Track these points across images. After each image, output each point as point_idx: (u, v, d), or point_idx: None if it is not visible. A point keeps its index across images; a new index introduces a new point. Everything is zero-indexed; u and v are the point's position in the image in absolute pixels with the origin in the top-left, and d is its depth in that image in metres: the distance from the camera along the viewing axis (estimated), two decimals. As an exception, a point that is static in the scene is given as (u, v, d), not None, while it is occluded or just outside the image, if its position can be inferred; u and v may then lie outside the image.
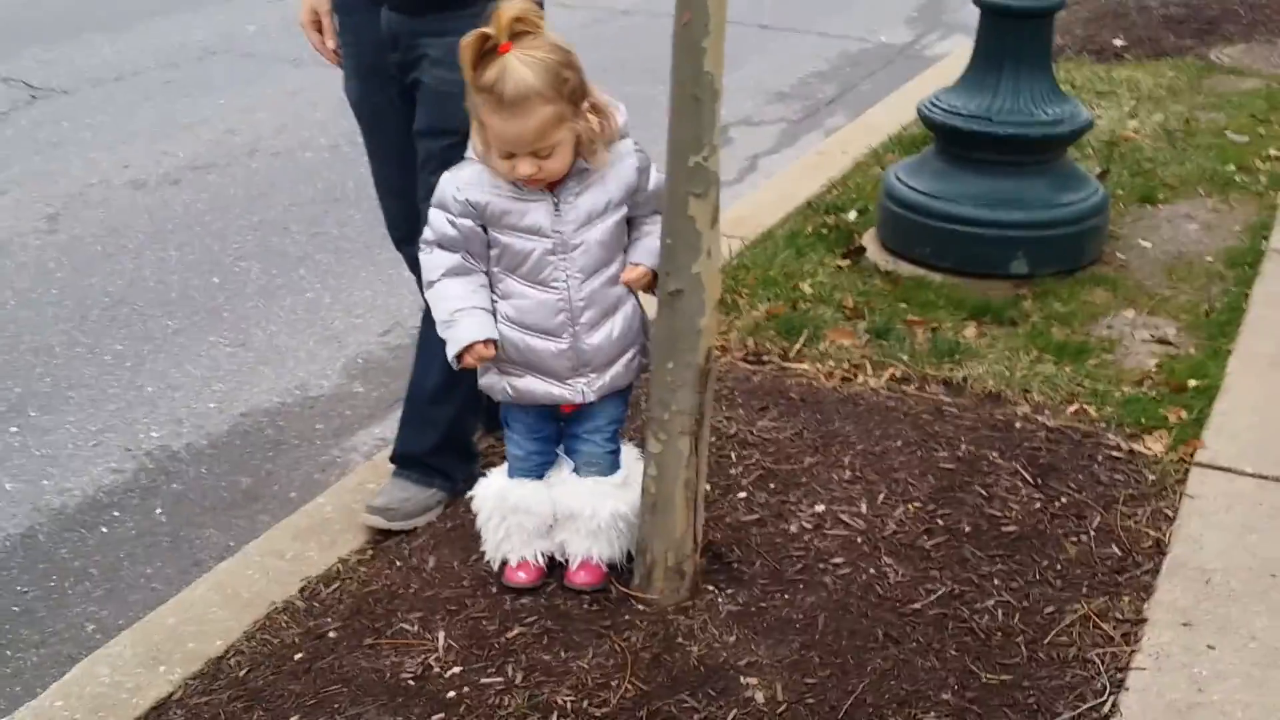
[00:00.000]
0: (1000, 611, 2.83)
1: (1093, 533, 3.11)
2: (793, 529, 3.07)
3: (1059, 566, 2.99)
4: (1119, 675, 2.65)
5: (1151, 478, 3.34)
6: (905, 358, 3.92)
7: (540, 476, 2.91)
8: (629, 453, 2.96)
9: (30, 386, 4.20)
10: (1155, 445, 3.49)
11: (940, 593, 2.87)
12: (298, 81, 7.33)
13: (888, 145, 6.00)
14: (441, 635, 2.75)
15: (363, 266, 5.07)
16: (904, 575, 2.92)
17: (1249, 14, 8.43)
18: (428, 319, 2.93)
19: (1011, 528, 3.10)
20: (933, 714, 2.53)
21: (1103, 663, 2.69)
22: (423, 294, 2.84)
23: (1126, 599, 2.89)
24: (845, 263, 4.65)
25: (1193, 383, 3.79)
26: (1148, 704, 2.58)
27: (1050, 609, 2.85)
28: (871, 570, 2.93)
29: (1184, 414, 3.62)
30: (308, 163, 6.19)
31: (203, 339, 4.53)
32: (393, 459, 3.33)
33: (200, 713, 2.59)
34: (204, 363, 4.37)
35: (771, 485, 3.24)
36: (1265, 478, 3.33)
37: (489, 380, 2.82)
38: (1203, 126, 6.20)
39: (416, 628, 2.77)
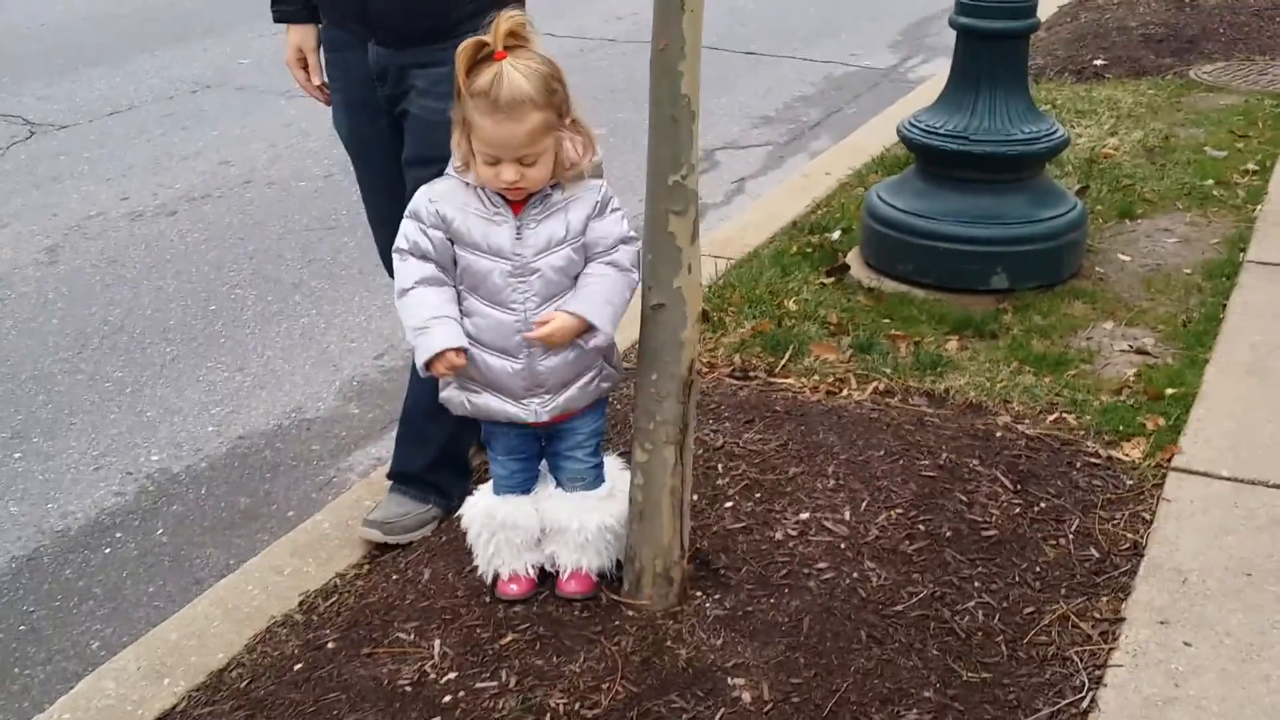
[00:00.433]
0: (980, 612, 2.90)
1: (1071, 536, 3.19)
2: (778, 536, 3.15)
3: (1038, 569, 3.06)
4: (1097, 672, 2.73)
5: (1129, 483, 3.42)
6: (888, 371, 4.01)
7: (526, 491, 2.98)
8: (613, 464, 3.03)
9: (33, 413, 4.28)
10: (1133, 451, 3.57)
11: (922, 595, 2.95)
12: (291, 113, 7.45)
13: (871, 166, 6.11)
14: (437, 643, 2.83)
15: (356, 292, 5.16)
16: (886, 579, 3.00)
17: (1228, 32, 8.56)
18: None
19: (991, 532, 3.18)
20: (915, 711, 2.61)
21: (1081, 660, 2.77)
22: None
23: (1104, 599, 2.96)
24: (829, 280, 4.74)
25: (1170, 391, 3.88)
26: (1125, 699, 2.65)
27: (1030, 609, 2.92)
28: (855, 574, 3.01)
29: (1161, 421, 3.70)
30: (301, 192, 6.29)
31: (200, 365, 4.61)
32: (389, 476, 3.41)
33: (203, 723, 2.67)
34: (202, 388, 4.46)
35: (757, 494, 3.32)
36: (1240, 481, 3.41)
37: (449, 394, 2.86)
38: (1182, 143, 6.30)
39: (413, 636, 2.85)
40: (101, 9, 10.22)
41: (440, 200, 2.72)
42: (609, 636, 2.81)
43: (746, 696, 2.63)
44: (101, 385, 4.48)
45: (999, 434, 3.63)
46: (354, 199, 3.74)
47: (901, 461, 3.47)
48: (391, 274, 3.31)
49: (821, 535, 3.16)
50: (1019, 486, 3.37)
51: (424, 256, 2.73)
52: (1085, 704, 2.64)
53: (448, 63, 2.72)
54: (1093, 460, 3.52)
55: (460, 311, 2.75)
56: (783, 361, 4.09)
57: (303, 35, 3.22)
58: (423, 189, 2.77)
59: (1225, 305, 4.46)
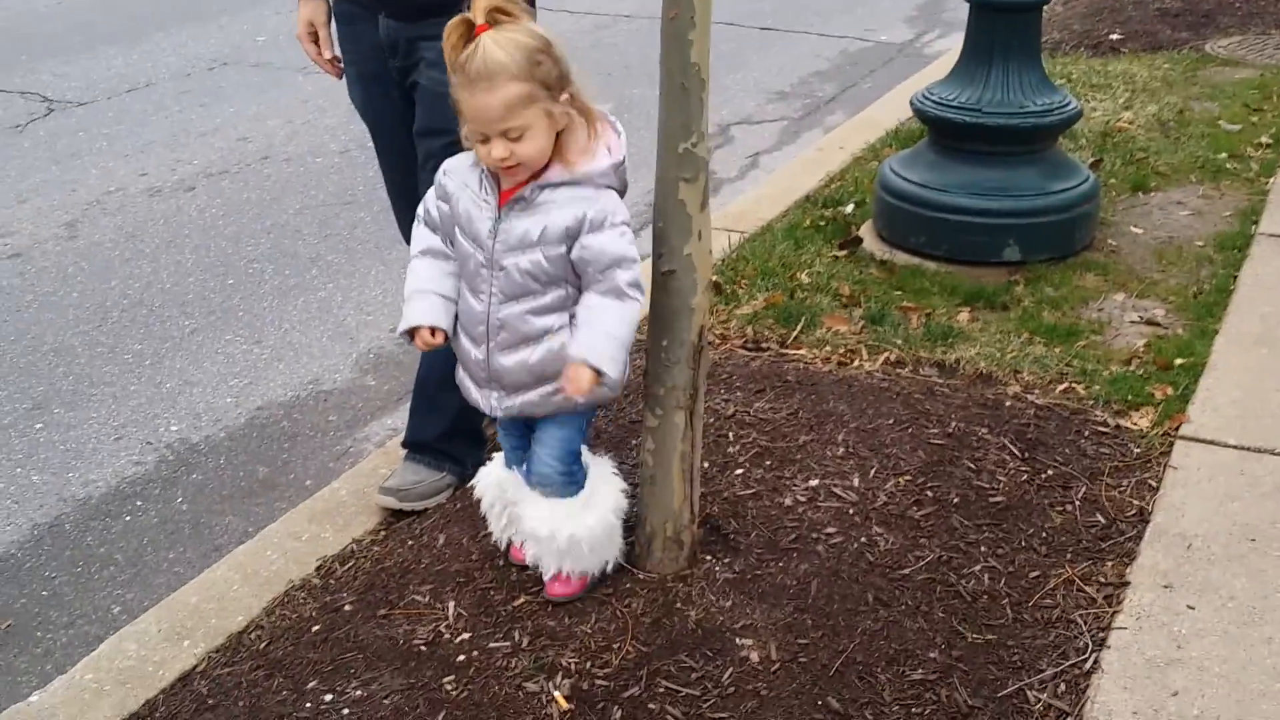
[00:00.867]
0: (986, 576, 2.94)
1: (1078, 502, 3.22)
2: (787, 502, 3.19)
3: (1044, 534, 3.10)
4: (1101, 634, 2.76)
5: (1137, 451, 3.45)
6: (899, 342, 4.04)
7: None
8: (602, 468, 2.92)
9: (54, 385, 4.34)
10: (1141, 420, 3.60)
11: (929, 559, 2.99)
12: (307, 89, 7.49)
13: (885, 140, 6.13)
14: (451, 605, 2.88)
15: (373, 265, 5.21)
16: (894, 543, 3.04)
17: (1244, 6, 8.55)
18: None
19: (999, 498, 3.22)
20: (920, 671, 2.65)
21: (1085, 623, 2.80)
22: None
23: (1109, 564, 3.00)
24: (842, 253, 4.77)
25: (1179, 361, 3.90)
26: (1129, 660, 2.68)
27: (1035, 574, 2.96)
28: (862, 539, 3.05)
29: (1170, 390, 3.73)
30: (318, 167, 6.34)
31: (219, 337, 4.67)
32: (404, 444, 3.46)
33: (223, 682, 2.72)
34: (221, 360, 4.51)
35: (767, 462, 3.36)
36: (1247, 449, 3.43)
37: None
38: (1196, 116, 6.31)
39: (428, 598, 2.90)
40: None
41: (450, 173, 2.72)
42: (619, 598, 2.86)
43: (754, 656, 2.68)
44: (121, 357, 4.54)
45: (1008, 403, 3.66)
46: (370, 174, 3.80)
47: (911, 430, 3.50)
48: (406, 236, 3.36)
49: (830, 501, 3.20)
50: (1027, 454, 3.40)
51: (432, 226, 2.76)
52: (1089, 665, 2.67)
53: None
54: (1101, 429, 3.55)
55: (455, 283, 2.75)
56: (794, 333, 4.12)
57: (313, 9, 3.25)
58: (447, 160, 2.76)
59: (1236, 277, 4.47)
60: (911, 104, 4.83)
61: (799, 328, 4.14)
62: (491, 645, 2.74)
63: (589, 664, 2.67)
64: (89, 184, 6.17)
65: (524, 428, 2.91)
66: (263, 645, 2.84)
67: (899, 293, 4.43)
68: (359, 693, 2.64)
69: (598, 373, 2.55)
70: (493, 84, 2.44)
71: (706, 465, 3.27)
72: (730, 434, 3.49)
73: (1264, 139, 5.91)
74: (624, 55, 8.29)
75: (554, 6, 9.11)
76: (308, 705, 2.62)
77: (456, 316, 2.75)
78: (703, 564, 2.96)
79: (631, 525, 2.97)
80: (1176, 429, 3.53)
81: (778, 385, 3.76)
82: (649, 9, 9.26)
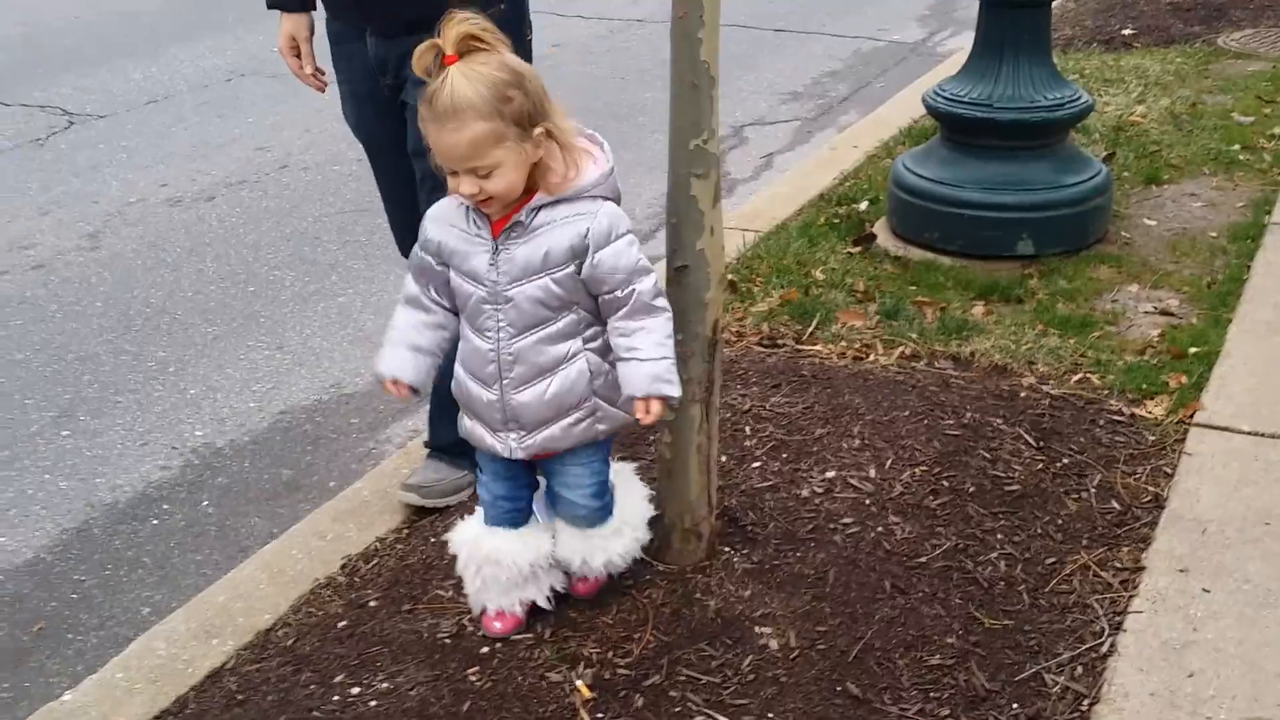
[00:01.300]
0: (1003, 563, 2.98)
1: (1093, 490, 3.25)
2: (804, 493, 3.23)
3: (1060, 521, 3.13)
4: (1117, 618, 2.79)
5: (1151, 438, 3.48)
6: (914, 336, 4.07)
7: (515, 525, 2.77)
8: (625, 479, 2.86)
9: (80, 392, 4.40)
10: (1156, 409, 3.63)
11: (945, 547, 3.02)
12: (324, 99, 7.49)
13: (899, 138, 6.16)
14: (474, 599, 2.92)
15: (391, 270, 5.26)
16: (910, 532, 3.08)
17: (1256, -1, 8.55)
18: None
19: (1014, 487, 3.25)
20: (938, 656, 2.68)
21: (1102, 608, 2.83)
22: None
23: (1125, 549, 3.03)
24: (856, 250, 4.80)
25: (1193, 350, 3.93)
26: (1144, 643, 2.71)
27: (1051, 560, 2.99)
28: (879, 528, 3.09)
29: (1184, 379, 3.75)
30: (336, 176, 6.40)
31: (241, 344, 4.72)
32: (426, 444, 3.50)
33: (252, 678, 2.77)
34: (243, 366, 4.57)
35: (784, 454, 3.40)
36: (1261, 435, 3.46)
37: (460, 415, 2.77)
38: (1209, 109, 6.32)
39: (451, 593, 2.95)
40: (131, 5, 10.35)
41: (433, 221, 2.61)
42: (640, 589, 2.90)
43: (774, 644, 2.72)
44: (145, 365, 4.60)
45: (1023, 394, 3.70)
46: (387, 180, 3.82)
47: (926, 421, 3.54)
48: (405, 254, 3.22)
49: (847, 492, 3.23)
50: (1042, 443, 3.43)
51: (414, 275, 2.66)
52: (1105, 648, 2.70)
53: None
54: (1116, 418, 3.58)
55: (443, 337, 2.67)
56: (810, 329, 4.16)
57: (295, 23, 3.23)
58: (430, 209, 2.66)
59: (1249, 267, 4.50)
60: (923, 100, 4.87)
61: (814, 324, 4.18)
62: (514, 637, 2.78)
63: (610, 654, 2.72)
64: (110, 195, 6.24)
65: (524, 473, 2.76)
66: (290, 642, 2.88)
67: (913, 288, 4.46)
68: (385, 685, 2.68)
69: (664, 397, 2.53)
70: (459, 122, 2.34)
71: (724, 459, 3.31)
72: (747, 428, 3.53)
73: (1276, 131, 5.92)
74: (637, 59, 8.34)
75: (567, 12, 9.19)
76: (335, 698, 2.66)
77: (460, 366, 2.66)
78: (721, 555, 3.00)
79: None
80: (1191, 416, 3.55)
81: (794, 380, 3.80)
82: (662, 13, 9.28)
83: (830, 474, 3.31)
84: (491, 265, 2.51)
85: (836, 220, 5.12)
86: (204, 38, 9.23)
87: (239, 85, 8.10)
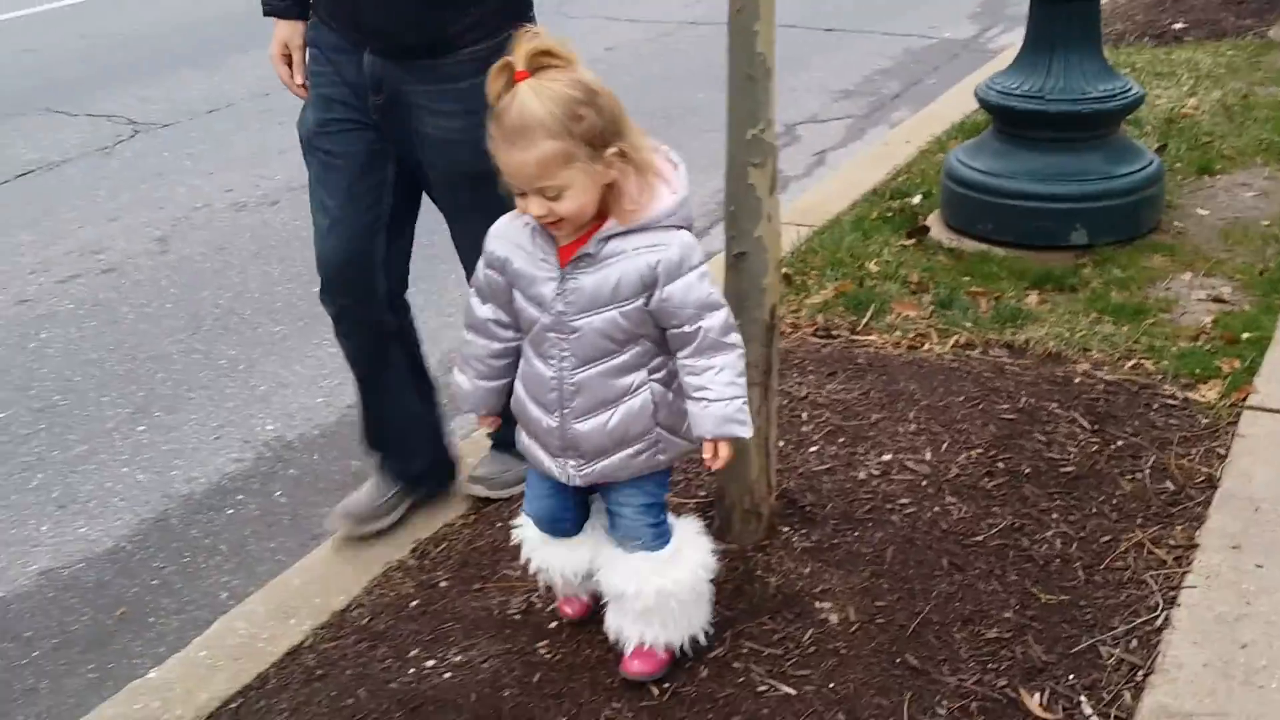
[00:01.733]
0: (1059, 541, 3.04)
1: (1147, 471, 3.31)
2: (861, 476, 3.30)
3: (1115, 501, 3.19)
4: (1171, 593, 2.85)
5: (1204, 421, 3.52)
6: (969, 325, 4.13)
7: (566, 535, 2.75)
8: (689, 526, 2.70)
9: (153, 390, 4.54)
10: (1209, 393, 3.67)
11: (1001, 526, 3.09)
12: (383, 105, 7.67)
13: (951, 133, 6.21)
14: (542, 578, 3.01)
15: (451, 270, 5.29)
16: (966, 512, 3.14)
17: (1309, -9, 8.52)
18: None
19: (1069, 468, 3.31)
20: (995, 630, 2.75)
21: (1156, 583, 2.89)
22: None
23: (1179, 528, 3.08)
24: (910, 243, 4.86)
25: (1246, 335, 3.97)
26: (1198, 617, 2.77)
27: (1106, 538, 3.05)
28: (936, 509, 3.16)
29: (1237, 363, 3.80)
30: (396, 178, 6.51)
31: (308, 342, 4.84)
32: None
33: (330, 655, 2.88)
34: (311, 363, 4.69)
35: (841, 439, 3.48)
36: (1314, 417, 3.51)
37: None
38: (1261, 100, 6.34)
39: (519, 573, 3.03)
40: (187, 17, 10.56)
41: (497, 239, 2.52)
42: (702, 567, 2.98)
43: (834, 618, 2.79)
44: (216, 363, 4.73)
45: (1078, 380, 3.75)
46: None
47: (981, 406, 3.60)
48: (324, 293, 3.34)
49: (903, 474, 3.30)
50: (1097, 426, 3.49)
51: (481, 295, 2.58)
52: (1159, 622, 2.76)
53: (449, 79, 2.81)
54: (1169, 401, 3.63)
55: (514, 361, 2.61)
56: (865, 320, 4.22)
57: (290, 31, 3.13)
58: (494, 224, 2.56)
59: (1302, 253, 4.53)
60: (976, 93, 4.93)
61: (869, 314, 4.25)
62: (582, 613, 2.88)
63: (675, 628, 2.80)
64: (177, 201, 6.39)
65: (573, 492, 2.68)
66: (365, 620, 2.98)
67: (967, 278, 4.52)
68: (459, 658, 2.78)
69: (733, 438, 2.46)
70: (527, 140, 2.24)
71: (782, 444, 3.38)
72: (804, 414, 3.61)
73: (1330, 119, 5.94)
74: (689, 60, 8.43)
75: (620, 16, 9.29)
76: (411, 671, 2.77)
77: (521, 387, 2.60)
78: (781, 535, 3.08)
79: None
80: (1244, 400, 3.60)
81: (849, 368, 3.87)
82: (713, 15, 9.39)
83: (887, 457, 3.38)
84: (558, 294, 2.42)
85: (890, 214, 5.18)
86: (261, 48, 9.33)
87: (298, 93, 8.25)
